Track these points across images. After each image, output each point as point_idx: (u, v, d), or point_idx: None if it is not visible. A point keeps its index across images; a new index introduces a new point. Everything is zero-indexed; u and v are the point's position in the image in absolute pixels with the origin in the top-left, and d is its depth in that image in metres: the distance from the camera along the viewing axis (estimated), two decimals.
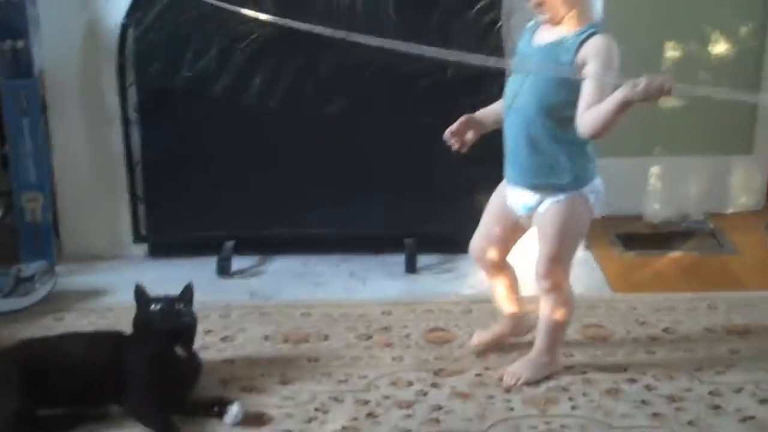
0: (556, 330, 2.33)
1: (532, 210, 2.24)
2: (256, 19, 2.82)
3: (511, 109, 2.20)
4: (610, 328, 2.59)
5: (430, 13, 2.87)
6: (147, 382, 2.16)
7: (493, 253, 2.36)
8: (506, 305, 2.46)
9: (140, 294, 2.24)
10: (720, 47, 3.34)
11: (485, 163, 2.93)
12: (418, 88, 2.90)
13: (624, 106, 1.96)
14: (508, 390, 2.29)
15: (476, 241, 2.40)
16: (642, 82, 1.91)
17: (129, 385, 2.15)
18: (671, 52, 3.33)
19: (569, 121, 2.09)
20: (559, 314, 2.30)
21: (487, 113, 2.34)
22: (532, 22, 2.24)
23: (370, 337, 2.55)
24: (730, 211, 3.46)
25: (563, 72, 2.08)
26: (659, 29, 3.31)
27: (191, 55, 2.90)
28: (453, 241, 3.07)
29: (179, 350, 2.21)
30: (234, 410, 2.16)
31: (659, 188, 3.43)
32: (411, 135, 2.93)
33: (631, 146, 3.37)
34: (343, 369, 2.39)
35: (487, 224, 2.37)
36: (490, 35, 2.85)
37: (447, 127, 2.76)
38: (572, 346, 2.47)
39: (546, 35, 2.17)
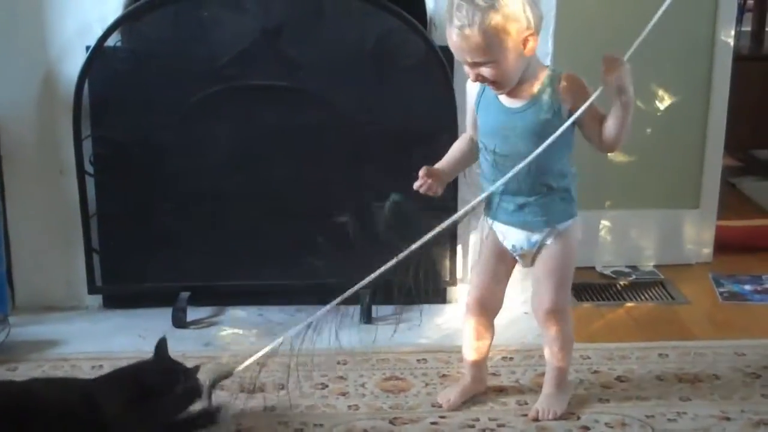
0: (564, 368, 2.40)
1: (536, 244, 2.29)
2: (211, 76, 2.89)
3: (507, 168, 2.20)
4: None
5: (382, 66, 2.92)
6: None
7: (492, 304, 2.40)
8: (478, 362, 2.47)
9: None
10: (666, 104, 3.41)
11: (438, 214, 2.98)
12: (372, 141, 2.94)
13: (628, 104, 2.13)
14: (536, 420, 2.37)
15: (473, 297, 2.41)
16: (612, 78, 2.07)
17: None
18: None
19: (562, 161, 2.21)
20: (565, 354, 2.37)
21: (444, 165, 2.36)
22: None
23: (326, 386, 2.55)
24: (679, 262, 3.51)
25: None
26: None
27: (147, 108, 2.93)
28: (408, 293, 3.10)
29: None
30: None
31: (610, 240, 3.48)
32: (365, 188, 2.96)
33: (582, 200, 3.40)
34: (299, 418, 2.39)
35: (482, 276, 2.39)
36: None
37: (400, 180, 2.82)
38: (526, 394, 2.50)
39: (512, 93, 2.19)
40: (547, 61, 2.96)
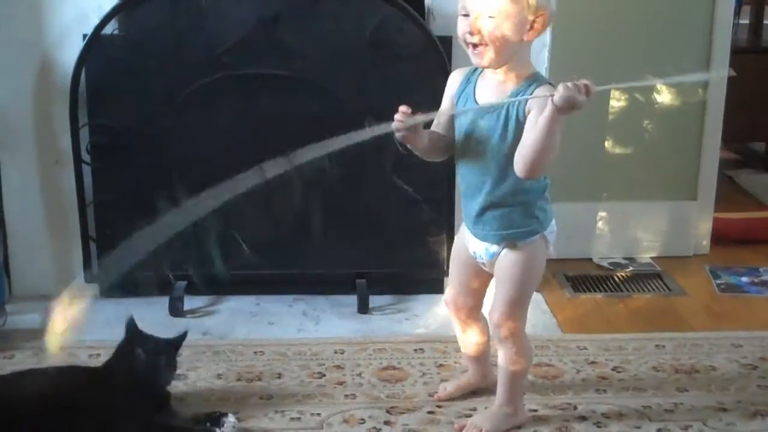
0: (515, 379, 2.27)
1: (495, 256, 2.20)
2: (209, 64, 2.88)
3: (472, 172, 2.15)
4: (560, 367, 2.61)
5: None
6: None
7: (467, 303, 2.33)
8: (475, 357, 2.42)
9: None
10: (665, 97, 3.41)
11: (436, 205, 3.00)
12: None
13: (552, 121, 1.92)
14: None
15: (449, 293, 2.37)
16: (560, 89, 1.90)
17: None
18: (616, 102, 3.39)
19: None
20: (517, 363, 2.24)
21: (430, 134, 2.20)
22: (466, 73, 2.18)
23: (323, 375, 2.55)
24: (676, 254, 3.52)
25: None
26: (605, 77, 3.37)
27: (144, 96, 2.93)
28: (404, 282, 3.11)
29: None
30: (231, 421, 2.20)
31: (607, 232, 3.48)
32: (361, 177, 2.96)
33: (580, 191, 3.43)
34: (296, 407, 2.39)
35: (456, 274, 2.34)
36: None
37: (397, 170, 2.82)
38: None
39: (490, 92, 2.10)
40: (545, 53, 2.97)
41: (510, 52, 2.04)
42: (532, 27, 2.02)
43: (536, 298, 3.07)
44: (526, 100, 2.02)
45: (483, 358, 2.44)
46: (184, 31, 2.89)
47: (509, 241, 2.16)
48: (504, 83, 2.09)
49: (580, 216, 3.44)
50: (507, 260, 2.18)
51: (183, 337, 2.34)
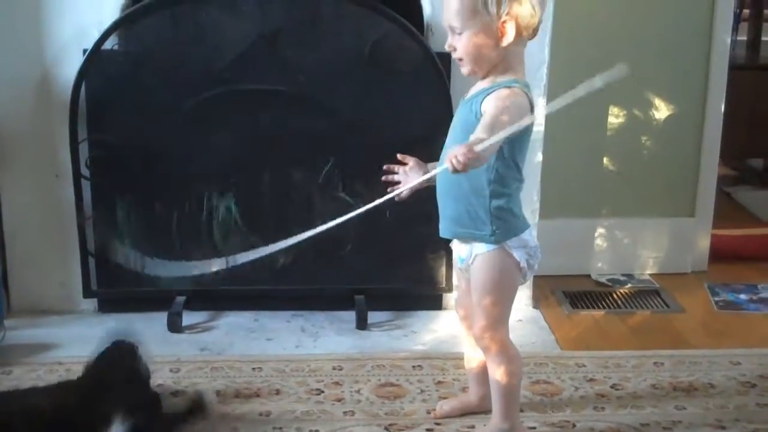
0: (507, 392, 2.25)
1: (466, 262, 2.22)
2: (209, 79, 2.89)
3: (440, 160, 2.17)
4: (558, 384, 2.61)
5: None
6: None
7: (468, 309, 2.33)
8: (477, 374, 2.40)
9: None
10: (662, 113, 3.42)
11: (433, 221, 2.98)
12: (368, 146, 2.94)
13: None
14: None
15: (457, 305, 2.41)
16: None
17: None
18: (615, 118, 3.40)
19: (479, 173, 2.08)
20: (505, 374, 2.23)
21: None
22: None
23: (321, 392, 2.55)
24: (675, 271, 3.52)
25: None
26: (603, 94, 3.38)
27: (144, 111, 2.93)
28: (403, 299, 3.11)
29: None
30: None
31: (606, 248, 3.49)
32: (360, 193, 2.96)
33: (578, 207, 3.44)
34: (294, 423, 2.38)
35: (458, 282, 2.38)
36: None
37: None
38: (521, 402, 2.48)
39: (473, 89, 2.17)
40: (543, 70, 2.97)
41: (489, 61, 2.09)
42: (502, 33, 2.05)
43: (534, 314, 3.09)
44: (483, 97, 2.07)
45: (483, 378, 2.39)
46: (184, 47, 2.89)
47: (468, 241, 2.19)
48: (482, 84, 2.14)
49: (578, 232, 3.45)
50: (474, 267, 2.19)
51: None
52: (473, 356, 2.39)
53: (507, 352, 2.24)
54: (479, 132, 1.97)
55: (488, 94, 2.07)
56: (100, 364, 2.30)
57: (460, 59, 2.10)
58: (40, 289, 3.06)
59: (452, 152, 1.93)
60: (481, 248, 2.17)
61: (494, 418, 2.29)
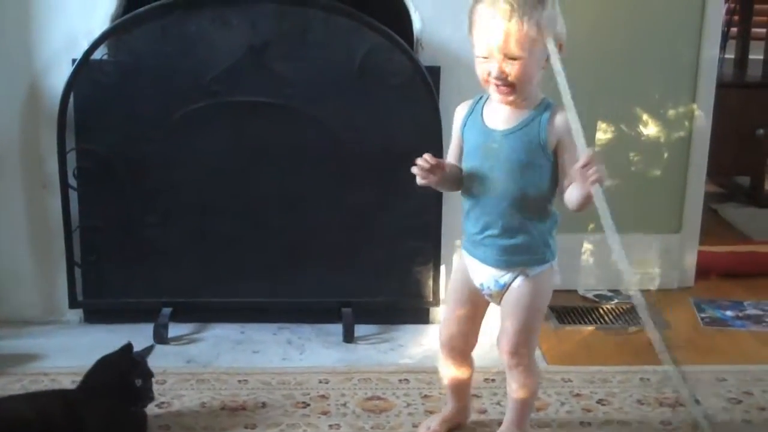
0: (525, 404, 2.28)
1: (505, 286, 2.19)
2: (197, 90, 2.89)
3: (486, 196, 2.13)
4: (544, 399, 2.61)
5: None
6: None
7: (464, 344, 2.32)
8: (460, 391, 2.40)
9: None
10: (650, 129, 3.43)
11: (422, 235, 3.00)
12: (356, 159, 2.95)
13: (589, 198, 2.04)
14: None
15: (446, 336, 2.33)
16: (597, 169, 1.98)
17: None
18: (603, 134, 3.41)
19: (543, 200, 2.12)
20: (528, 389, 2.26)
21: (452, 170, 2.20)
22: (470, 104, 2.20)
23: (307, 405, 2.54)
24: (661, 287, 3.52)
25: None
26: (592, 109, 3.40)
27: (132, 122, 2.93)
28: (390, 312, 3.10)
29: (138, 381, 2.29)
30: None
31: (593, 264, 3.49)
32: (349, 207, 2.97)
33: (565, 223, 3.41)
34: None
35: (456, 312, 2.30)
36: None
37: (380, 200, 2.82)
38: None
39: (501, 117, 2.12)
40: None
41: (534, 85, 2.10)
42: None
43: None
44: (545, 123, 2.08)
45: (467, 393, 2.43)
46: (174, 58, 2.89)
47: (522, 268, 2.17)
48: (516, 107, 2.11)
49: (565, 247, 3.40)
50: (520, 289, 2.18)
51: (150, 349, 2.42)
52: (458, 378, 2.37)
53: (534, 369, 2.27)
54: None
55: (550, 117, 2.08)
56: (91, 372, 2.31)
57: (512, 85, 2.05)
58: (26, 299, 3.04)
59: (599, 168, 1.97)
60: (533, 270, 2.17)
61: (506, 424, 2.31)
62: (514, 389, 2.27)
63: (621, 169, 3.45)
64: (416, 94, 2.89)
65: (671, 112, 3.44)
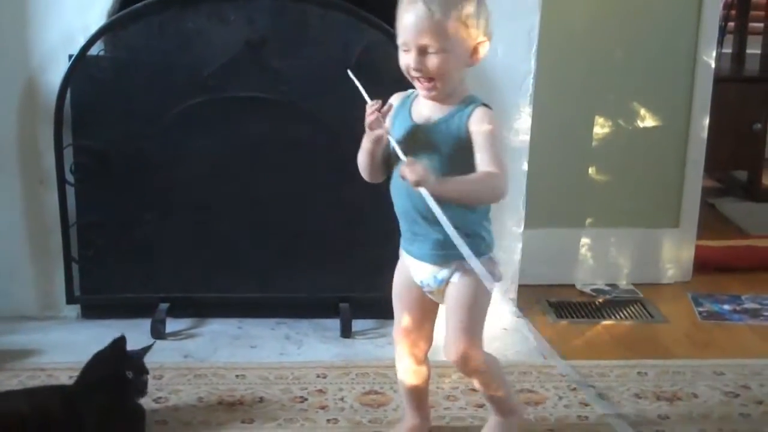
0: (497, 392, 2.23)
1: (444, 282, 2.13)
2: (194, 86, 2.89)
3: (411, 189, 2.03)
4: (542, 393, 2.61)
5: None
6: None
7: (419, 340, 2.25)
8: (420, 397, 2.33)
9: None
10: (648, 124, 3.43)
11: None
12: (353, 154, 2.94)
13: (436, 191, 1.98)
14: None
15: (399, 332, 2.28)
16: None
17: None
18: (600, 129, 3.41)
19: None
20: (490, 382, 2.21)
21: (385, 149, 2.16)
22: (402, 97, 2.18)
23: (305, 400, 2.54)
24: (658, 281, 3.53)
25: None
26: (589, 104, 3.40)
27: (129, 118, 2.93)
28: (387, 307, 3.09)
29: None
30: None
31: (590, 258, 3.49)
32: (347, 201, 2.97)
33: (563, 218, 3.45)
34: (277, 431, 2.38)
35: (402, 310, 2.26)
36: None
37: (376, 195, 2.81)
38: None
39: (426, 111, 2.08)
40: (529, 80, 2.98)
41: (457, 81, 2.06)
42: (475, 53, 2.03)
43: (519, 323, 3.09)
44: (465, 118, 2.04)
45: (426, 399, 2.35)
46: (171, 53, 2.89)
47: (458, 262, 2.08)
48: (441, 102, 2.07)
49: (563, 242, 3.45)
50: (458, 285, 2.12)
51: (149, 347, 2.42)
52: (417, 380, 2.29)
53: (489, 366, 2.20)
54: (490, 162, 1.99)
55: (471, 112, 2.03)
56: (87, 367, 2.31)
57: (431, 79, 2.02)
58: (23, 294, 3.04)
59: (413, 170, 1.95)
60: (467, 263, 2.06)
61: (493, 419, 2.29)
62: (480, 389, 2.24)
63: (618, 164, 3.46)
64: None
65: (668, 107, 3.45)
